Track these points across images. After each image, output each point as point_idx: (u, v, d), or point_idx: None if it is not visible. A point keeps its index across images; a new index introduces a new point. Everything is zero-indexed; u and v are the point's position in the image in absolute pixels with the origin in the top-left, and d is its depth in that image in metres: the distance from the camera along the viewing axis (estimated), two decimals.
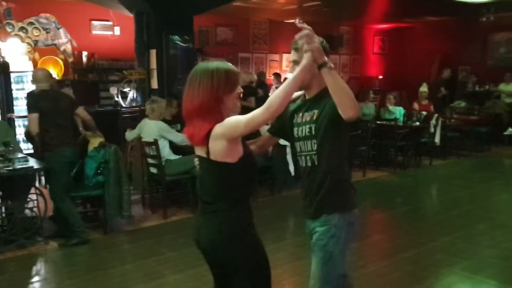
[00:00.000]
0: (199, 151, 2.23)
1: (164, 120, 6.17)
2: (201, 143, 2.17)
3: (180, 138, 5.76)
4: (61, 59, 9.45)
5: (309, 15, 11.55)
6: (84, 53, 9.74)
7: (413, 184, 8.05)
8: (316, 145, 2.41)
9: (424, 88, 10.63)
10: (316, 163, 2.42)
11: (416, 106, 9.85)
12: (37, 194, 5.07)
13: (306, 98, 2.50)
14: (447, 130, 9.44)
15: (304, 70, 2.18)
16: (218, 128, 2.11)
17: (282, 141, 6.61)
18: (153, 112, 6.00)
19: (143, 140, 5.88)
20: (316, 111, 2.41)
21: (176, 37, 7.98)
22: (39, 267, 4.65)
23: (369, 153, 8.48)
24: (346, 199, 2.48)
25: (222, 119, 2.15)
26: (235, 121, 2.11)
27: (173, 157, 5.90)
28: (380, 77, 15.28)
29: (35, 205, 5.04)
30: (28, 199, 5.04)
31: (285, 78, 12.60)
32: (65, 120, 5.08)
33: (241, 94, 2.27)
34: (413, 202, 6.91)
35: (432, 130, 9.01)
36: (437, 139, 9.04)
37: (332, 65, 2.21)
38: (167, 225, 5.66)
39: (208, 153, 2.16)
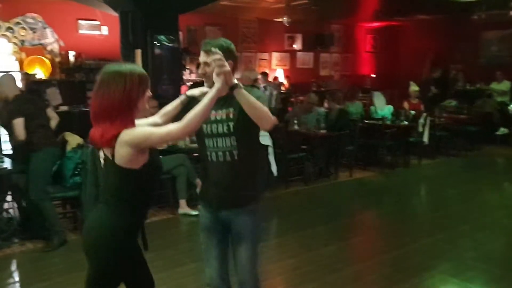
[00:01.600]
0: (106, 150, 2.24)
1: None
2: (108, 145, 2.18)
3: None
4: (48, 59, 9.39)
5: (298, 13, 11.51)
6: (72, 53, 9.67)
7: (400, 184, 8.01)
8: (236, 141, 2.53)
9: (414, 87, 10.58)
10: (236, 158, 2.54)
11: (406, 105, 9.79)
12: (13, 195, 5.03)
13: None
14: (436, 129, 9.40)
15: (218, 92, 2.31)
16: (126, 136, 2.13)
17: (264, 141, 6.58)
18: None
19: None
20: (231, 109, 2.53)
21: (162, 36, 7.91)
22: (13, 269, 4.60)
23: (356, 153, 8.44)
24: (259, 189, 2.71)
25: (131, 122, 2.20)
26: (146, 133, 2.17)
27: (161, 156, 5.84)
28: (372, 75, 15.23)
29: (11, 206, 4.99)
30: (5, 201, 5.00)
31: (275, 77, 12.58)
32: (46, 120, 5.06)
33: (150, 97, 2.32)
34: (398, 203, 6.87)
35: (420, 129, 8.97)
36: (425, 138, 9.00)
37: (241, 85, 2.38)
38: (147, 225, 5.58)
39: (113, 156, 2.17)
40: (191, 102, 2.55)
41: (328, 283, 4.09)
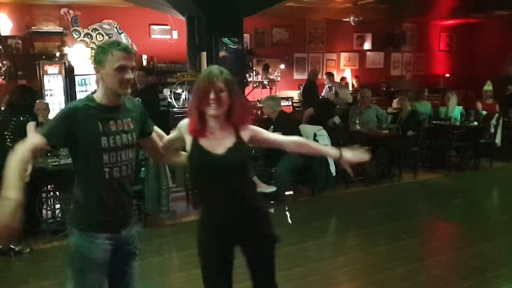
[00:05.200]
0: None
1: None
2: None
3: None
4: None
5: (367, 13, 11.35)
6: (144, 57, 10.22)
7: (467, 187, 7.68)
8: (134, 153, 2.42)
9: (488, 87, 10.06)
10: (132, 171, 2.41)
11: (479, 105, 9.36)
12: None
13: (104, 105, 2.29)
14: (511, 131, 8.91)
15: None
16: None
17: (323, 140, 6.61)
18: None
19: None
20: (129, 119, 2.37)
21: (226, 39, 8.16)
22: None
23: (421, 154, 8.19)
24: None
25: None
26: None
27: None
28: (447, 75, 14.66)
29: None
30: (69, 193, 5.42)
31: (342, 78, 12.46)
32: None
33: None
34: (462, 206, 6.64)
35: (492, 130, 8.56)
36: (497, 140, 8.57)
37: None
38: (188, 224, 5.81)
39: None
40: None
41: (374, 282, 4.07)
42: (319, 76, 11.71)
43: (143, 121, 2.49)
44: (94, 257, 2.30)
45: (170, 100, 9.09)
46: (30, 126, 4.87)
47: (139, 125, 2.45)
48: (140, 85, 7.89)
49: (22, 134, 4.66)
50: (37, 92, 5.44)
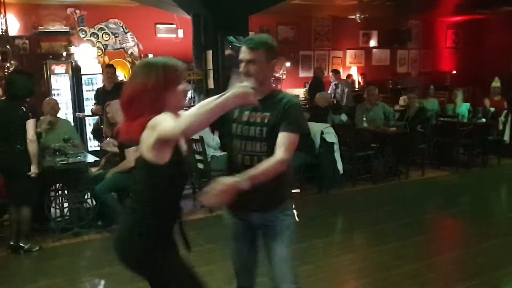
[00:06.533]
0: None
1: None
2: (134, 137, 2.09)
3: (214, 142, 5.97)
4: (129, 62, 10.01)
5: (373, 10, 11.31)
6: (150, 56, 10.22)
7: (475, 184, 7.65)
8: (266, 147, 2.41)
9: (496, 83, 10.01)
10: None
11: (486, 102, 9.31)
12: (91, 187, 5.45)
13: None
14: None
15: (231, 102, 2.04)
16: (151, 122, 2.01)
17: (330, 138, 6.59)
18: None
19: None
20: (267, 114, 2.42)
21: (231, 37, 8.17)
22: (89, 254, 5.00)
23: (429, 151, 8.17)
24: (289, 189, 2.68)
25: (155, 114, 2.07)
26: (160, 119, 2.00)
27: (219, 153, 6.08)
28: (453, 72, 14.59)
29: (89, 196, 5.43)
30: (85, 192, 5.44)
31: (349, 75, 12.43)
32: None
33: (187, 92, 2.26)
34: (470, 203, 6.60)
35: (501, 127, 8.51)
36: (506, 137, 8.52)
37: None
38: (212, 218, 5.83)
39: (141, 150, 2.11)
40: None
41: (382, 280, 4.06)
42: (325, 74, 11.70)
43: (279, 120, 2.42)
44: (230, 230, 2.67)
45: None
46: (30, 124, 4.61)
47: (275, 123, 2.41)
48: (109, 84, 7.40)
49: (19, 130, 4.55)
50: (33, 76, 5.21)
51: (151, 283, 2.30)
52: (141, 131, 2.04)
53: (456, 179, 7.85)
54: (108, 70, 7.60)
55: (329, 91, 10.50)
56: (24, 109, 4.62)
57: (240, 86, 2.07)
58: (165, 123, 1.96)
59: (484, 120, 8.41)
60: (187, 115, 1.95)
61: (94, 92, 7.95)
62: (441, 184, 7.54)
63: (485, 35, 14.31)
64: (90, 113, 8.29)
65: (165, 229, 2.22)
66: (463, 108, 8.86)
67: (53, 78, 8.90)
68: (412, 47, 14.10)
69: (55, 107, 5.84)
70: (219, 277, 4.20)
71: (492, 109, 8.78)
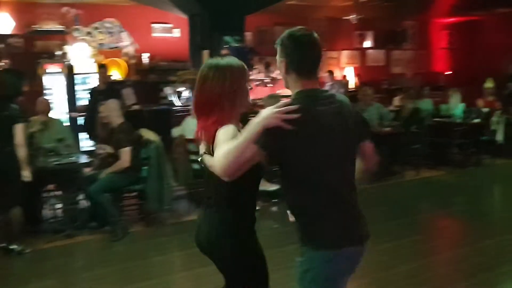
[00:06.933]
0: (206, 149, 2.19)
1: None
2: (207, 141, 2.16)
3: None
4: (124, 61, 9.95)
5: (368, 10, 11.33)
6: (146, 55, 10.19)
7: (470, 184, 7.65)
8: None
9: (489, 84, 10.04)
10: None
11: (480, 102, 9.33)
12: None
13: None
14: None
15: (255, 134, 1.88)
16: (221, 135, 2.03)
17: None
18: None
19: (185, 137, 6.08)
20: None
21: (228, 37, 8.15)
22: (82, 255, 4.96)
23: (424, 151, 8.18)
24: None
25: (228, 116, 2.13)
26: (228, 139, 1.99)
27: None
28: (448, 73, 14.61)
29: (83, 197, 5.39)
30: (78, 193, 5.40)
31: (343, 76, 12.41)
32: None
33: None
34: (466, 203, 6.60)
35: (494, 127, 8.52)
36: (499, 137, 8.53)
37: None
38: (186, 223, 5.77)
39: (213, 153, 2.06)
40: None
41: (379, 280, 4.05)
42: (320, 74, 11.68)
43: None
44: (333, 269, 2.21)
45: (170, 98, 9.05)
46: (19, 128, 4.49)
47: None
48: (102, 84, 7.31)
49: (7, 131, 4.44)
50: (23, 75, 5.11)
51: (228, 278, 2.37)
52: (214, 132, 2.08)
53: (451, 179, 7.86)
54: (100, 70, 7.57)
55: None
56: (13, 108, 4.54)
57: (265, 112, 1.91)
58: (216, 154, 1.94)
59: (478, 120, 8.43)
60: (218, 156, 1.89)
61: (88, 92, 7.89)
62: (436, 184, 7.54)
63: (479, 36, 14.33)
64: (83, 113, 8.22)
65: (249, 228, 2.29)
66: (459, 108, 8.88)
67: (47, 78, 8.83)
68: (407, 47, 14.11)
69: (48, 107, 5.79)
70: (215, 279, 4.17)
71: (486, 109, 8.79)
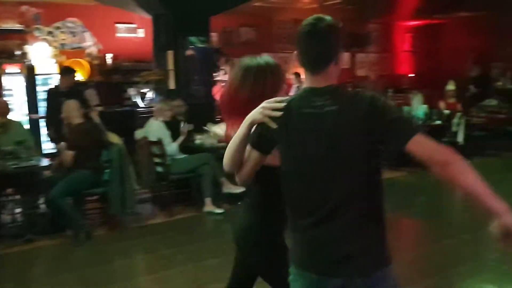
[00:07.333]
0: None
1: (175, 120, 6.33)
2: None
3: (173, 148, 5.93)
4: (87, 62, 9.76)
5: (333, 13, 11.34)
6: (109, 55, 10.02)
7: (431, 185, 7.77)
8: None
9: (450, 86, 10.33)
10: None
11: (442, 104, 9.57)
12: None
13: None
14: (473, 129, 9.12)
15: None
16: None
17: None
18: (157, 112, 6.17)
19: (148, 139, 6.03)
20: None
21: (193, 38, 8.10)
22: (43, 260, 4.85)
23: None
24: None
25: None
26: None
27: (179, 156, 6.02)
28: (411, 75, 14.93)
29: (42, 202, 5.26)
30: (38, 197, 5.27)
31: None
32: None
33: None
34: (426, 203, 6.75)
35: (454, 129, 8.76)
36: (460, 139, 8.77)
37: None
38: (172, 222, 5.77)
39: None
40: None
41: None
42: (287, 76, 11.75)
43: None
44: None
45: (134, 99, 8.94)
46: None
47: None
48: (63, 86, 7.13)
49: None
50: None
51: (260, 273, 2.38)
52: None
53: (412, 180, 8.01)
54: (67, 74, 7.41)
55: (291, 94, 10.56)
56: None
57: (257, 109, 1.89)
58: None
59: (439, 122, 8.64)
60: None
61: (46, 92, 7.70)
62: (397, 184, 7.67)
63: (441, 39, 14.69)
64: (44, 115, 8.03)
65: (282, 225, 2.24)
66: (420, 110, 9.10)
67: (5, 78, 8.58)
68: (370, 50, 14.34)
69: (7, 108, 5.64)
70: (179, 282, 4.16)
71: (447, 111, 9.02)
